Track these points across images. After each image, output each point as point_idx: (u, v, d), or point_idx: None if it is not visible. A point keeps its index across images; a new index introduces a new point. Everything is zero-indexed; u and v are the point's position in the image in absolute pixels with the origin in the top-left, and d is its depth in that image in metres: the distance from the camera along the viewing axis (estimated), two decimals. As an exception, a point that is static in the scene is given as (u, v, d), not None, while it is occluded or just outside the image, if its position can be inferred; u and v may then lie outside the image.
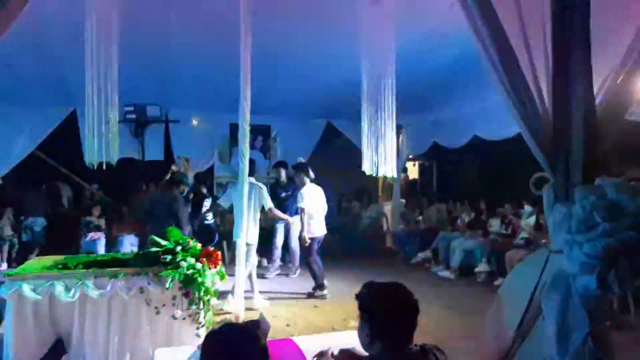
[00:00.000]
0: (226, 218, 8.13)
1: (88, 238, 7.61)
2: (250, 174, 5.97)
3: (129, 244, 7.43)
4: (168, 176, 7.26)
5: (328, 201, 7.02)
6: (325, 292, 6.53)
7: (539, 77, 1.72)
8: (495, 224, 7.92)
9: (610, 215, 1.44)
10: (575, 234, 1.48)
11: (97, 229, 7.83)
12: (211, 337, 1.59)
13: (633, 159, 5.32)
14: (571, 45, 1.66)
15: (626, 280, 1.41)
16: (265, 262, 7.87)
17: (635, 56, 1.71)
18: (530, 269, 1.91)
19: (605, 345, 1.56)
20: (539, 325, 1.78)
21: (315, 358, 2.36)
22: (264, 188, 6.21)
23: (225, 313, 5.35)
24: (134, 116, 7.77)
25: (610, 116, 1.67)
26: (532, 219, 6.91)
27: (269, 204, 6.14)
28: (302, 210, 6.45)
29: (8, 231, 8.05)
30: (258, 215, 6.10)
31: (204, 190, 7.69)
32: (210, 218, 7.60)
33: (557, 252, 1.62)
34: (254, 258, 6.10)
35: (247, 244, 5.68)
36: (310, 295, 6.52)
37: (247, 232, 5.63)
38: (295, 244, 7.40)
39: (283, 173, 7.59)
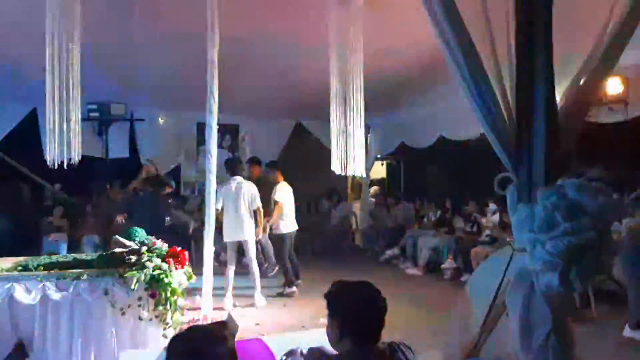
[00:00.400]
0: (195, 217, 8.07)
1: (50, 239, 7.38)
2: (238, 173, 6.25)
3: (92, 245, 7.25)
4: (143, 176, 7.15)
5: (297, 200, 7.07)
6: (293, 289, 6.54)
7: (504, 79, 1.76)
8: (460, 222, 8.07)
9: (571, 215, 1.49)
10: (538, 233, 1.53)
11: (59, 229, 7.61)
12: (177, 339, 1.57)
13: (594, 160, 5.52)
14: (534, 48, 1.70)
15: (587, 277, 1.47)
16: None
17: (596, 61, 1.77)
18: (494, 266, 1.96)
19: (568, 340, 1.61)
20: (503, 321, 1.83)
21: (285, 357, 2.36)
22: (255, 187, 6.26)
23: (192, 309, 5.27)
24: (97, 114, 7.58)
25: (572, 118, 1.72)
26: (497, 217, 7.08)
27: (258, 203, 6.19)
28: (276, 203, 6.53)
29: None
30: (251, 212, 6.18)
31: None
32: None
33: (520, 251, 1.67)
34: (253, 253, 6.19)
35: (242, 242, 6.06)
36: (280, 294, 6.51)
37: (242, 231, 6.05)
38: (266, 240, 7.37)
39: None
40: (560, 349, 1.59)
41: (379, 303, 1.93)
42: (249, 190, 6.16)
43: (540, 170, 1.65)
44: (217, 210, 6.04)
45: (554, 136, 1.66)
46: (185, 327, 4.32)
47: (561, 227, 1.49)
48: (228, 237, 6.14)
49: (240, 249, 6.25)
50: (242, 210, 6.09)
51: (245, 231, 6.11)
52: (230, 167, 6.36)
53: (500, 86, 1.76)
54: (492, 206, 7.50)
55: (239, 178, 6.24)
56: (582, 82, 1.82)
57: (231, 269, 6.05)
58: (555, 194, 1.53)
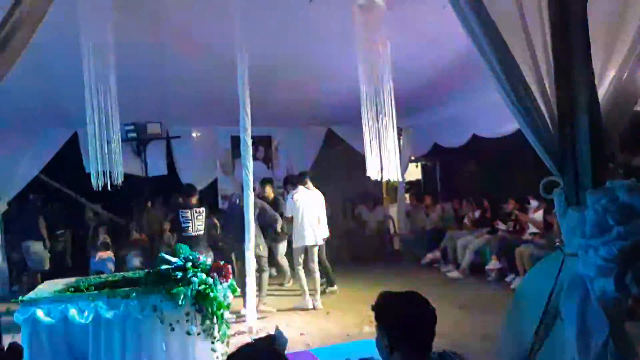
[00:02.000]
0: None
1: (97, 258, 7.62)
2: (301, 184, 6.61)
3: (137, 261, 7.44)
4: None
5: (332, 207, 7.05)
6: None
7: (544, 81, 1.73)
8: (500, 224, 7.89)
9: (623, 217, 1.45)
10: (590, 238, 1.49)
11: (106, 247, 7.84)
12: (234, 358, 1.59)
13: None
14: (570, 49, 1.67)
15: (644, 281, 1.42)
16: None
17: (638, 54, 1.72)
18: (545, 271, 1.92)
19: (626, 345, 1.57)
20: (557, 328, 1.78)
21: (335, 370, 2.37)
22: (321, 196, 6.67)
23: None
24: (135, 134, 7.79)
25: (616, 115, 1.68)
26: (540, 214, 6.90)
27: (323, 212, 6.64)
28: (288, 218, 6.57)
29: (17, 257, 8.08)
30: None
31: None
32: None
33: (571, 255, 1.63)
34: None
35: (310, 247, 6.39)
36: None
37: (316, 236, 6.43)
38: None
39: (268, 189, 7.26)
40: (618, 355, 1.55)
41: (429, 314, 1.92)
42: (317, 200, 6.60)
43: (587, 172, 1.61)
44: (287, 219, 6.40)
45: (599, 137, 1.62)
46: (233, 340, 4.41)
47: (614, 231, 1.45)
48: (306, 241, 6.41)
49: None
50: (312, 218, 6.47)
51: (319, 236, 6.50)
52: (294, 181, 6.82)
53: (540, 88, 1.73)
54: (533, 203, 7.31)
55: (302, 188, 6.58)
56: (624, 76, 1.78)
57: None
58: (605, 196, 1.49)
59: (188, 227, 6.20)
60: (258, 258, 5.88)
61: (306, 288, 6.32)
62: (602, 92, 1.71)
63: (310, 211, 6.47)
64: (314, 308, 6.25)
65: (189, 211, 6.25)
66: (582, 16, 1.58)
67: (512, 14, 1.87)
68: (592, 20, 1.68)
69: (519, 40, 1.73)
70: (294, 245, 6.52)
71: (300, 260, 6.44)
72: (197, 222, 6.26)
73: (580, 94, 1.63)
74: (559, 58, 1.68)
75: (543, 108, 1.69)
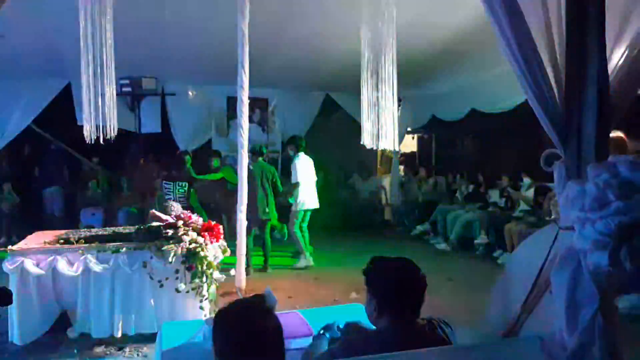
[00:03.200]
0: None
1: (88, 212, 7.62)
2: (299, 150, 6.80)
3: (127, 217, 7.43)
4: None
5: (327, 174, 7.12)
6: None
7: (556, 52, 1.68)
8: (494, 196, 7.94)
9: (623, 193, 1.44)
10: (588, 212, 1.48)
11: (95, 202, 7.82)
12: (225, 312, 1.59)
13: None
14: (585, 19, 1.62)
15: (638, 257, 1.42)
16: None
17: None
18: (537, 244, 1.92)
19: (613, 320, 1.58)
20: (545, 301, 1.79)
21: (322, 331, 2.39)
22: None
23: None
24: (129, 89, 7.66)
25: (623, 92, 1.65)
26: (531, 192, 6.93)
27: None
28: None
29: (6, 206, 8.04)
30: None
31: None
32: None
33: (567, 229, 1.63)
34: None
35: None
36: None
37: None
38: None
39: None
40: (606, 328, 1.56)
41: (419, 280, 1.93)
42: (312, 166, 6.87)
43: (591, 147, 1.59)
44: (298, 184, 6.61)
45: (605, 111, 1.59)
46: (221, 299, 4.45)
47: (613, 206, 1.44)
48: (308, 205, 6.73)
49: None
50: (312, 184, 6.81)
51: (316, 200, 6.85)
52: (297, 144, 6.87)
53: (551, 59, 1.69)
54: (526, 180, 7.34)
55: (302, 154, 6.82)
56: (635, 52, 1.74)
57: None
58: (607, 171, 1.48)
59: (170, 197, 6.73)
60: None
61: (304, 248, 6.66)
62: (612, 65, 1.68)
63: (311, 177, 6.84)
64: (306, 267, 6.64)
65: (172, 184, 6.95)
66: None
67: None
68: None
69: (535, 7, 1.67)
70: (296, 209, 6.71)
71: (297, 222, 6.69)
72: (178, 194, 6.88)
73: (591, 66, 1.59)
74: (571, 28, 1.64)
75: (552, 77, 1.66)
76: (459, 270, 6.51)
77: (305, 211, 6.78)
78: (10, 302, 1.91)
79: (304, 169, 6.77)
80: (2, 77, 7.24)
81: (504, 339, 1.98)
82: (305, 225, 6.86)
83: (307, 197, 6.73)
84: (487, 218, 7.41)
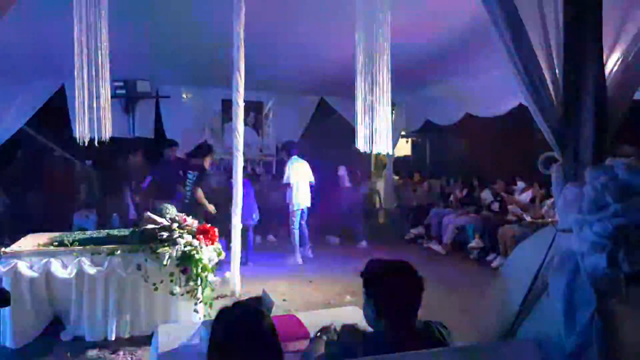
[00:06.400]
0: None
1: (81, 215, 7.56)
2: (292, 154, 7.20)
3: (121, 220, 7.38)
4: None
5: (321, 178, 7.25)
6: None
7: (553, 56, 1.70)
8: (487, 198, 7.95)
9: (621, 195, 1.45)
10: (586, 214, 1.49)
11: (88, 205, 7.77)
12: (222, 315, 1.59)
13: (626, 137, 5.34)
14: (582, 24, 1.64)
15: (636, 259, 1.43)
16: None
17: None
18: (535, 247, 1.93)
19: (612, 321, 1.59)
20: (542, 303, 1.80)
21: (319, 333, 2.38)
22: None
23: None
24: (124, 92, 7.63)
25: (621, 95, 1.67)
26: (525, 196, 6.97)
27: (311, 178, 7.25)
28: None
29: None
30: None
31: None
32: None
33: (564, 232, 1.64)
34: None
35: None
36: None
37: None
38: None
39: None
40: (604, 330, 1.57)
41: (416, 282, 1.93)
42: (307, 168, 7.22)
43: (588, 150, 1.60)
44: (291, 184, 7.01)
45: (603, 115, 1.61)
46: (216, 303, 4.42)
47: (611, 208, 1.45)
48: (303, 204, 7.17)
49: None
50: (307, 184, 7.21)
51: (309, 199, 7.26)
52: (294, 148, 7.37)
53: (549, 63, 1.70)
54: (520, 184, 7.37)
55: (295, 157, 7.21)
56: (631, 57, 1.76)
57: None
58: (605, 173, 1.49)
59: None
60: None
61: (298, 245, 7.06)
62: (608, 69, 1.69)
63: (305, 178, 7.23)
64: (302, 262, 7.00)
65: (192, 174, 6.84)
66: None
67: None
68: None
69: (533, 12, 1.69)
70: (293, 209, 7.11)
71: (295, 220, 7.11)
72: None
73: (588, 70, 1.61)
74: (569, 30, 1.65)
75: (549, 81, 1.67)
76: (452, 274, 6.52)
77: (302, 209, 7.20)
78: (8, 304, 1.89)
79: (297, 171, 7.12)
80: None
81: (501, 341, 1.98)
82: (305, 222, 7.27)
83: (301, 196, 7.15)
84: (480, 222, 7.44)
